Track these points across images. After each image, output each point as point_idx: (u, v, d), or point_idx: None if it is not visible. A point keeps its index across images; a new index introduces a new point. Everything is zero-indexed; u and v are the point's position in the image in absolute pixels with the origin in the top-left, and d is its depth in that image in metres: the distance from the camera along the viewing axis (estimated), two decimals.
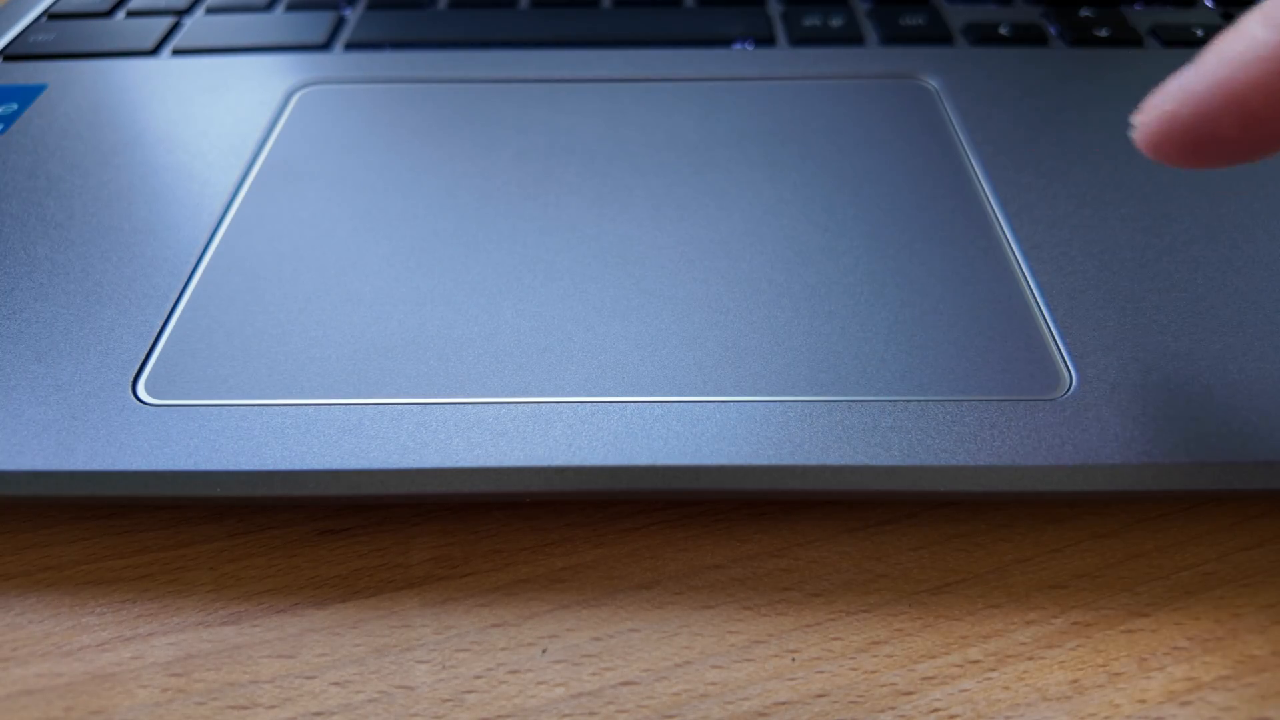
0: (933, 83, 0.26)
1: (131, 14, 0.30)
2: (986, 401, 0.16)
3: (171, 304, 0.18)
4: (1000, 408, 0.16)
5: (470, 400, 0.16)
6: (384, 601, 0.16)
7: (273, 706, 0.14)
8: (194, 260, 0.20)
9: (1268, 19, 0.13)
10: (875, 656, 0.15)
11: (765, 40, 0.28)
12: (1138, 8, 0.30)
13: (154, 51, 0.28)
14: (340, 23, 0.29)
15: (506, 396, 0.16)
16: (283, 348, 0.17)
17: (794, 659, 0.15)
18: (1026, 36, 0.28)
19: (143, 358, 0.17)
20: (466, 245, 0.20)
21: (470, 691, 0.14)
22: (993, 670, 0.15)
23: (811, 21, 0.29)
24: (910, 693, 0.14)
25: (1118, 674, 0.15)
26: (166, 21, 0.29)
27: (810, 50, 0.28)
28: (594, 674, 0.15)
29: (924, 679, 0.15)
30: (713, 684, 0.15)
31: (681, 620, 0.15)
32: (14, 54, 0.28)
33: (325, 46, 0.28)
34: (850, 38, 0.28)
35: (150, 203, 0.21)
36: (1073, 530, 0.17)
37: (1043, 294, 0.18)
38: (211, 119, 0.25)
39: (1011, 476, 0.15)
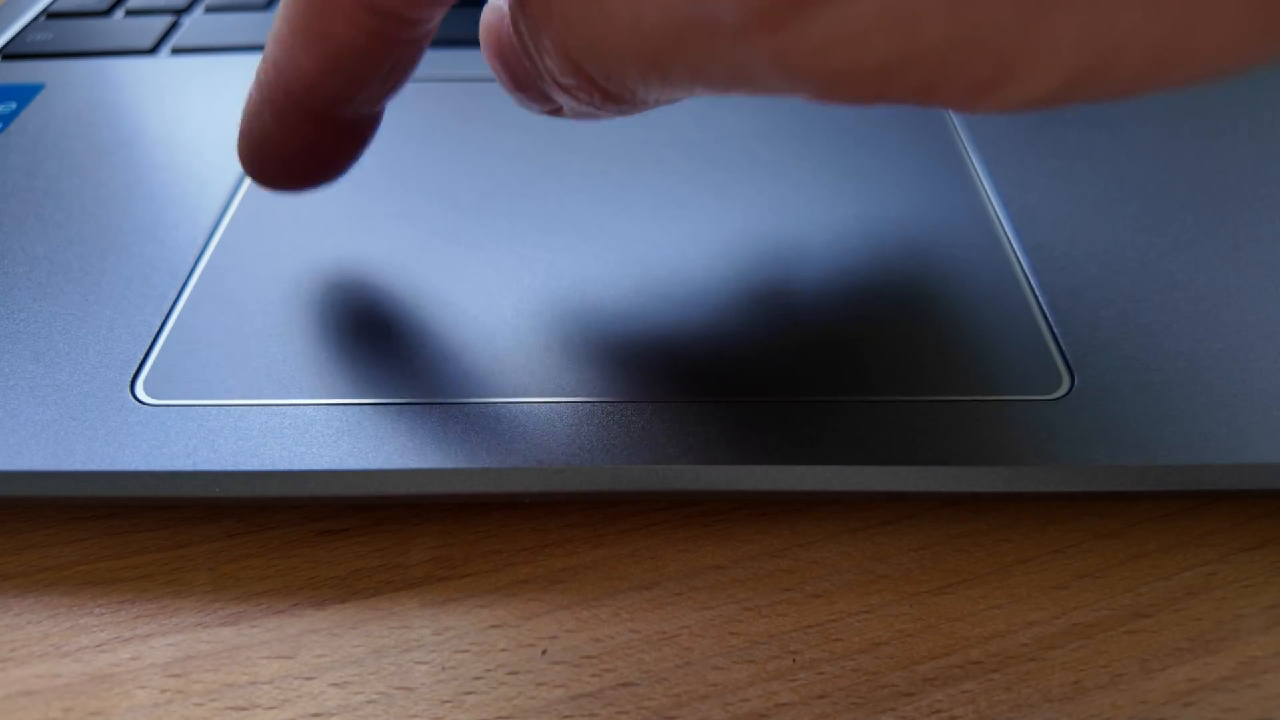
0: None
1: (130, 13, 0.30)
2: (986, 401, 0.16)
3: (170, 304, 0.18)
4: (1000, 408, 0.16)
5: (470, 400, 0.16)
6: (383, 602, 0.16)
7: (272, 707, 0.14)
8: (193, 260, 0.20)
9: None
10: (876, 657, 0.15)
11: None
12: None
13: (153, 50, 0.28)
14: None
15: (506, 396, 0.16)
16: (282, 347, 0.17)
17: (794, 659, 0.15)
18: None
19: (141, 357, 0.17)
20: (466, 244, 0.20)
21: (470, 692, 0.14)
22: (994, 671, 0.15)
23: None
24: (911, 694, 0.14)
25: (1119, 675, 0.14)
26: (165, 20, 0.29)
27: None
28: (594, 675, 0.15)
29: (925, 680, 0.14)
30: (713, 685, 0.14)
31: (681, 621, 0.15)
32: (12, 53, 0.28)
33: None
34: None
35: (149, 202, 0.21)
36: (1074, 530, 0.17)
37: (1043, 294, 0.18)
38: (211, 118, 0.25)
39: (1011, 476, 0.15)
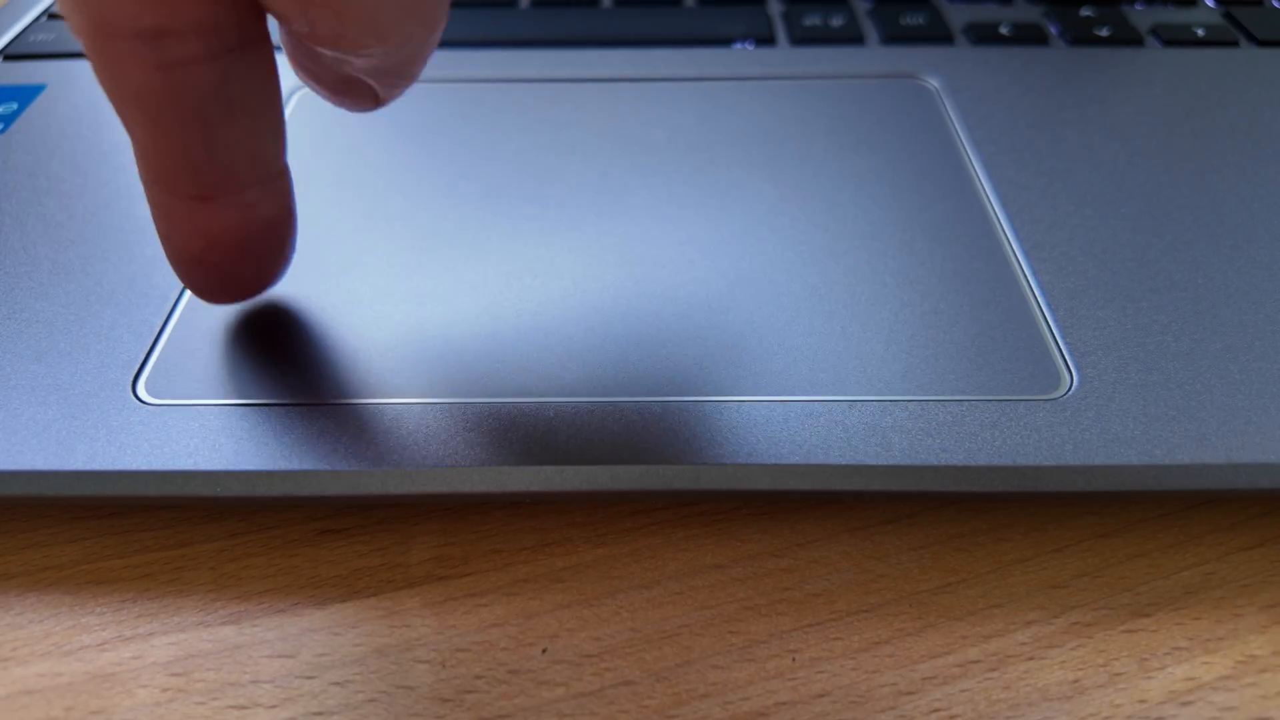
0: (933, 82, 0.26)
1: None
2: (986, 401, 0.16)
3: (171, 303, 0.18)
4: (1000, 408, 0.16)
5: (470, 400, 0.16)
6: (384, 601, 0.16)
7: (273, 706, 0.14)
8: None
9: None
10: (876, 656, 0.15)
11: (765, 40, 0.28)
12: (1138, 7, 0.30)
13: None
14: None
15: (507, 396, 0.16)
16: (283, 347, 0.17)
17: (794, 659, 0.15)
18: (1027, 36, 0.28)
19: (143, 357, 0.17)
20: (467, 245, 0.20)
21: (470, 691, 0.14)
22: (993, 670, 0.15)
23: (812, 21, 0.29)
24: (911, 693, 0.14)
25: (1118, 674, 0.15)
26: None
27: (811, 50, 0.28)
28: (594, 674, 0.15)
29: (925, 679, 0.15)
30: (713, 684, 0.15)
31: (682, 620, 0.15)
32: (14, 54, 0.28)
33: None
34: (851, 37, 0.28)
35: None
36: (1073, 530, 0.17)
37: (1043, 294, 0.18)
38: None
39: (1011, 476, 0.15)
